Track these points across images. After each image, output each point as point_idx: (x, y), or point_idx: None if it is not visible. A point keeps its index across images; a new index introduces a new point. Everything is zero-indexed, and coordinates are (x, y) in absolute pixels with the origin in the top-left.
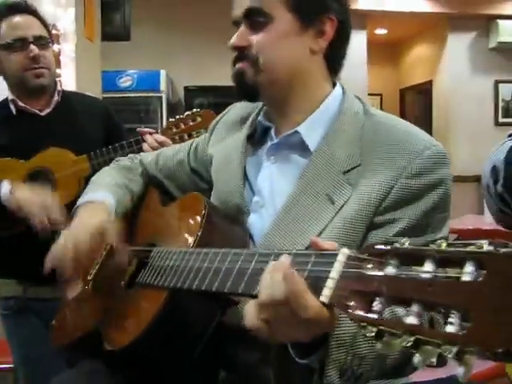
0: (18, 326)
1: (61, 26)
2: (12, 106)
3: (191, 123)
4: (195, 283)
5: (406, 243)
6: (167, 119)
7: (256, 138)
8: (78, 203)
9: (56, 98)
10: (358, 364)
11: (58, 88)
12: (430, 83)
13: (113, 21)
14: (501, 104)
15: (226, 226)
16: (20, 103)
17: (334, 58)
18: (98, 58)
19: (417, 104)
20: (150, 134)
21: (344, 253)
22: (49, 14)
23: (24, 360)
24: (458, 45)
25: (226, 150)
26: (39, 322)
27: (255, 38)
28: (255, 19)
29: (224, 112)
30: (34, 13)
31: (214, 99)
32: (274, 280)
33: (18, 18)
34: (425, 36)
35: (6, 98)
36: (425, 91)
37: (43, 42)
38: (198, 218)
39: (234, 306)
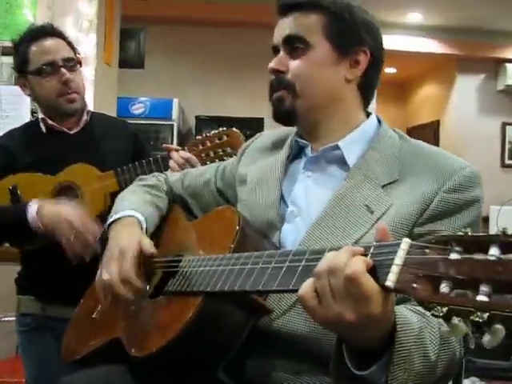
0: (33, 343)
1: (82, 50)
2: (42, 125)
3: (217, 141)
4: (232, 284)
5: (468, 232)
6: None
7: (290, 157)
8: (109, 221)
9: (85, 117)
10: (413, 380)
11: (87, 108)
12: (437, 123)
13: (128, 49)
14: (507, 146)
15: (258, 238)
16: (50, 122)
17: (366, 88)
18: (115, 82)
19: None
20: (176, 150)
21: (407, 241)
22: (71, 37)
23: (36, 378)
24: (467, 86)
25: (262, 169)
26: (55, 342)
27: (293, 64)
28: (295, 45)
29: (252, 139)
30: (60, 35)
31: None
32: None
33: (46, 42)
34: (433, 76)
35: (37, 118)
36: (432, 131)
37: (72, 63)
38: (232, 230)
39: (266, 315)
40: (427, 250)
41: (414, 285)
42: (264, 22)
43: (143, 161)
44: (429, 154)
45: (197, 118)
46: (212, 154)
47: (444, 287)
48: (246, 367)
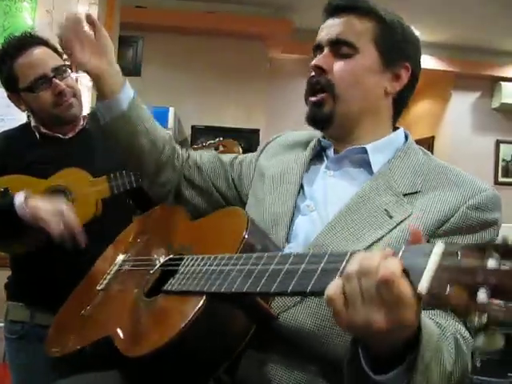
0: (20, 351)
1: None
2: (36, 133)
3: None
4: (241, 285)
5: (508, 239)
6: None
7: (312, 158)
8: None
9: (81, 122)
10: None
11: (84, 113)
12: (432, 139)
13: (125, 56)
14: (501, 164)
15: (266, 241)
16: (43, 130)
17: (400, 104)
18: None
19: None
20: None
21: (441, 245)
22: None
23: None
24: (462, 103)
25: (282, 165)
26: (42, 350)
27: (337, 65)
28: (342, 48)
29: (275, 136)
30: (43, 42)
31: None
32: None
33: (31, 54)
34: (429, 92)
35: (29, 123)
36: (427, 146)
37: (62, 70)
38: (239, 234)
39: (271, 320)
40: (461, 256)
41: (448, 291)
42: (262, 33)
43: None
44: (452, 171)
45: (193, 127)
46: None
47: (481, 295)
48: (244, 366)
